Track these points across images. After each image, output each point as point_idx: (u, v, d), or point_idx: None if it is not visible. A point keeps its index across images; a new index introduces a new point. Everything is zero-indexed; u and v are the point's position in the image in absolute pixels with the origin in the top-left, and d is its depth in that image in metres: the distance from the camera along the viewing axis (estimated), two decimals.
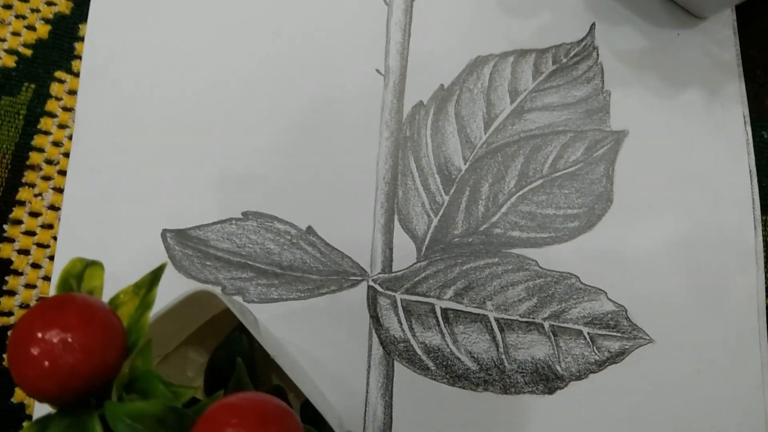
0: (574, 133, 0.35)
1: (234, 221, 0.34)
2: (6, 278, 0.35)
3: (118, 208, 0.35)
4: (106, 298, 0.23)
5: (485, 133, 0.35)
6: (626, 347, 0.33)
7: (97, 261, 0.24)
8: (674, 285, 0.33)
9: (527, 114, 0.35)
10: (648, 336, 0.33)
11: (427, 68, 0.36)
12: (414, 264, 0.34)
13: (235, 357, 0.28)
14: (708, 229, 0.34)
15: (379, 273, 0.34)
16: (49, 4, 0.39)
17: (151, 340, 0.24)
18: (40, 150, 0.37)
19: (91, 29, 0.38)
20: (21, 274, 0.35)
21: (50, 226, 0.36)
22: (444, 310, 0.33)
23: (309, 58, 0.36)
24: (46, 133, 0.37)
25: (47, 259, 0.36)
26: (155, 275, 0.23)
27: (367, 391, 0.32)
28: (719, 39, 0.37)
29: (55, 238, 0.35)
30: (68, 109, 0.38)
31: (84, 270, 0.23)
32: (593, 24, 0.37)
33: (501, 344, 0.33)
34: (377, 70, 0.36)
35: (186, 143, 0.36)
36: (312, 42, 0.37)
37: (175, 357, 0.30)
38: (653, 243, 0.34)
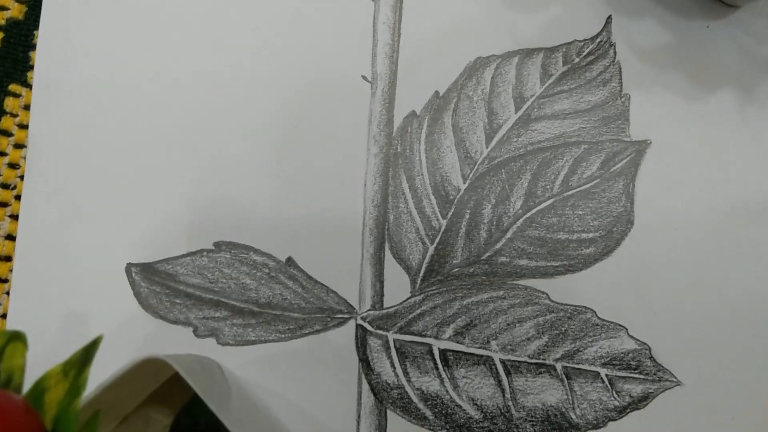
0: (588, 144, 0.31)
1: (205, 253, 0.31)
2: None
3: (79, 237, 0.32)
4: (38, 370, 0.20)
5: (487, 147, 0.31)
6: (650, 391, 0.29)
7: (20, 333, 0.20)
8: (705, 319, 0.30)
9: (535, 123, 0.31)
10: (675, 378, 0.29)
11: (420, 73, 0.32)
12: (408, 299, 0.30)
13: (200, 423, 0.24)
14: (743, 254, 0.30)
15: (369, 310, 0.30)
16: (0, 8, 0.35)
17: (98, 416, 0.20)
18: None
19: (42, 35, 0.34)
20: None
21: (8, 258, 0.33)
22: (443, 352, 0.30)
23: (286, 64, 0.33)
24: (2, 153, 0.34)
25: (5, 295, 0.32)
26: (87, 353, 0.19)
27: None
28: (755, 31, 0.32)
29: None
30: (25, 127, 0.34)
31: (4, 346, 0.20)
32: (609, 17, 0.32)
33: (508, 389, 0.29)
34: (363, 77, 0.32)
35: (153, 164, 0.32)
36: (289, 45, 0.33)
37: (136, 418, 0.27)
38: (680, 270, 0.30)
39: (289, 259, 0.31)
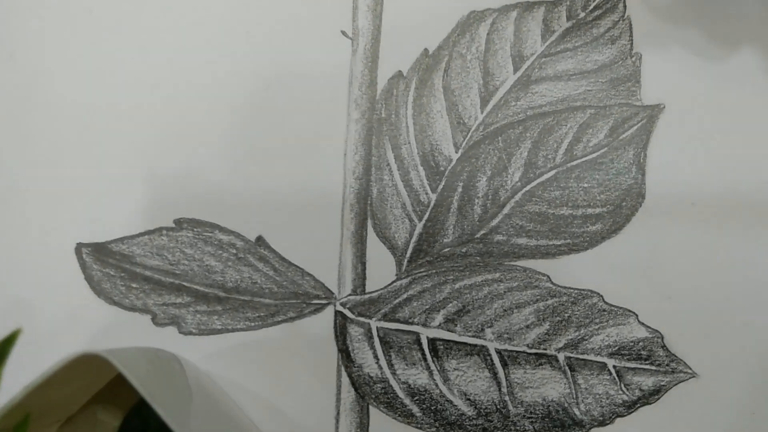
0: (595, 109, 0.28)
1: (165, 231, 0.28)
2: None
3: (21, 215, 0.29)
4: None
5: (482, 112, 0.28)
6: (662, 383, 0.27)
7: None
8: (724, 304, 0.27)
9: (535, 86, 0.28)
10: (690, 369, 0.27)
11: (407, 29, 0.29)
12: (393, 282, 0.28)
13: (151, 425, 0.21)
14: (767, 231, 0.27)
15: (349, 294, 0.28)
16: None
17: (27, 420, 0.17)
18: None
19: None
20: None
21: None
22: (432, 341, 0.27)
23: (255, 17, 0.29)
24: None
25: None
26: (1, 351, 0.16)
27: None
28: None
29: None
30: None
31: None
32: None
33: (504, 383, 0.27)
34: (343, 32, 0.29)
35: (104, 133, 0.29)
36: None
37: (81, 420, 0.23)
38: (697, 250, 0.28)
39: (259, 239, 0.28)
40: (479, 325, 0.27)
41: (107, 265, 0.28)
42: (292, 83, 0.29)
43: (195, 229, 0.28)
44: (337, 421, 0.27)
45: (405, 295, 0.27)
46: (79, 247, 0.28)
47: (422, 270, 0.28)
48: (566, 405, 0.26)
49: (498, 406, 0.27)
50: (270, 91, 0.29)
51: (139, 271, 0.28)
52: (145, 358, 0.21)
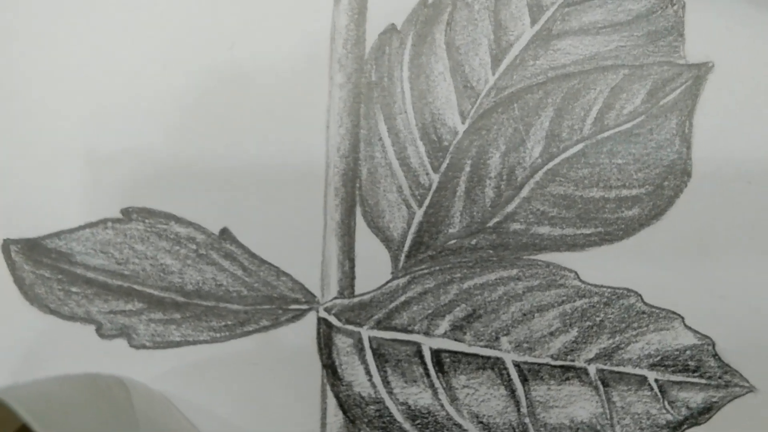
0: (629, 69, 0.24)
1: (110, 224, 0.24)
2: None
3: None
4: None
5: (493, 74, 0.24)
6: (714, 400, 0.23)
7: None
8: None
9: (557, 41, 0.24)
10: (747, 382, 0.23)
11: None
12: (388, 282, 0.23)
13: None
14: None
15: (335, 298, 0.23)
16: None
17: None
18: None
19: None
20: None
21: None
22: (436, 353, 0.23)
23: None
24: None
25: None
26: None
27: None
28: None
29: None
30: None
31: None
32: None
33: (524, 401, 0.23)
34: None
35: (36, 106, 0.25)
36: None
37: None
38: (755, 238, 0.23)
39: (224, 231, 0.23)
40: (493, 333, 0.23)
41: (41, 265, 0.23)
42: (262, 41, 0.24)
43: (146, 221, 0.23)
44: None
45: (403, 298, 0.23)
46: (6, 244, 0.24)
47: (423, 267, 0.23)
48: (599, 427, 0.22)
49: (517, 430, 0.22)
50: (234, 51, 0.24)
51: (80, 273, 0.23)
52: (68, 392, 0.17)
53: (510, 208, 0.23)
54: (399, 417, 0.23)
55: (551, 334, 0.23)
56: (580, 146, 0.24)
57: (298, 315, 0.23)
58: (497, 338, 0.23)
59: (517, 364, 0.23)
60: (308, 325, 0.23)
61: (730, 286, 0.23)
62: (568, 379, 0.23)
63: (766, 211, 0.23)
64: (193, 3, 0.24)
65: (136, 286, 0.23)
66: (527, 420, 0.23)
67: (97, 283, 0.23)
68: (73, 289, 0.23)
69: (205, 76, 0.24)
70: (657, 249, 0.23)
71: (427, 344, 0.23)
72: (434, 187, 0.24)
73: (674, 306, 0.23)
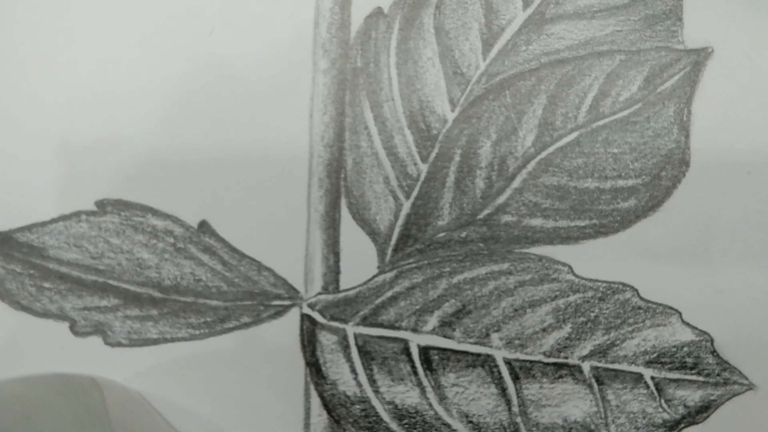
0: (626, 54, 0.23)
1: (84, 216, 0.23)
2: None
3: None
4: None
5: (484, 59, 0.23)
6: (712, 398, 0.22)
7: None
8: None
9: (551, 25, 0.23)
10: (746, 379, 0.22)
11: None
12: (375, 277, 0.23)
13: None
14: None
15: (319, 293, 0.23)
16: None
17: None
18: None
19: None
20: None
21: None
22: (424, 350, 0.22)
23: None
24: None
25: None
26: None
27: None
28: None
29: None
30: None
31: None
32: None
33: (515, 400, 0.22)
34: None
35: (7, 91, 0.23)
36: None
37: None
38: (755, 230, 0.23)
39: (203, 224, 0.22)
40: (484, 329, 0.22)
41: (12, 260, 0.22)
42: (243, 24, 0.23)
43: (122, 213, 0.22)
44: None
45: (390, 293, 0.22)
46: None
47: (411, 261, 0.22)
48: (593, 427, 0.22)
49: (508, 430, 0.22)
50: (214, 36, 0.23)
51: (53, 267, 0.22)
52: (33, 394, 0.16)
53: (501, 199, 0.22)
54: (385, 417, 0.22)
55: (544, 330, 0.22)
56: (574, 135, 0.23)
57: (281, 311, 0.22)
58: (488, 335, 0.22)
59: (508, 362, 0.22)
60: (291, 322, 0.22)
61: (729, 281, 0.22)
62: (561, 377, 0.22)
63: (765, 201, 0.23)
64: (176, 6, 0.23)
65: (111, 282, 0.22)
66: (519, 419, 0.22)
67: (70, 278, 0.22)
68: (46, 285, 0.22)
69: (184, 63, 0.23)
70: (654, 242, 0.22)
71: (415, 341, 0.22)
72: (422, 177, 0.23)
73: (671, 301, 0.22)
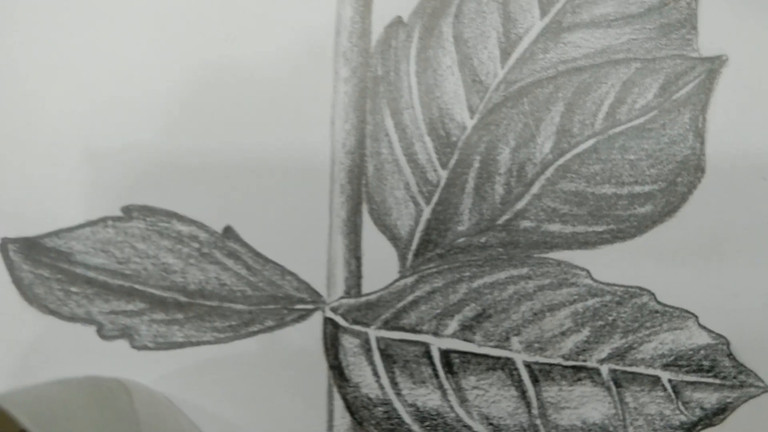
0: (641, 62, 0.23)
1: (111, 222, 0.23)
2: None
3: None
4: None
5: (502, 67, 0.23)
6: (728, 400, 0.22)
7: None
8: None
9: (568, 34, 0.23)
10: (762, 382, 0.22)
11: None
12: (396, 281, 0.23)
13: None
14: None
15: (342, 297, 0.23)
16: None
17: None
18: None
19: None
20: None
21: None
22: (445, 353, 0.22)
23: None
24: None
25: None
26: None
27: None
28: None
29: None
30: None
31: None
32: None
33: (535, 403, 0.22)
34: None
35: (33, 103, 0.24)
36: None
37: None
38: None
39: (228, 229, 0.23)
40: (503, 333, 0.22)
41: (40, 264, 0.23)
42: (264, 33, 0.23)
43: (148, 219, 0.23)
44: None
45: (411, 298, 0.22)
46: (4, 244, 0.23)
47: (431, 265, 0.23)
48: (611, 429, 0.22)
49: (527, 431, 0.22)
50: (236, 44, 0.23)
51: (80, 272, 0.23)
52: (68, 396, 0.16)
53: (520, 205, 0.23)
54: (407, 419, 0.22)
55: (563, 333, 0.22)
56: (591, 141, 0.23)
57: (304, 315, 0.23)
58: (507, 338, 0.22)
59: (527, 365, 0.22)
60: (314, 326, 0.23)
61: (744, 284, 0.23)
62: (579, 379, 0.22)
63: None
64: (199, 14, 0.24)
65: (137, 286, 0.23)
66: (538, 421, 0.22)
67: (97, 282, 0.23)
68: (73, 289, 0.23)
69: (206, 71, 0.24)
70: (670, 246, 0.23)
71: (436, 344, 0.22)
72: (442, 183, 0.23)
73: (688, 305, 0.23)
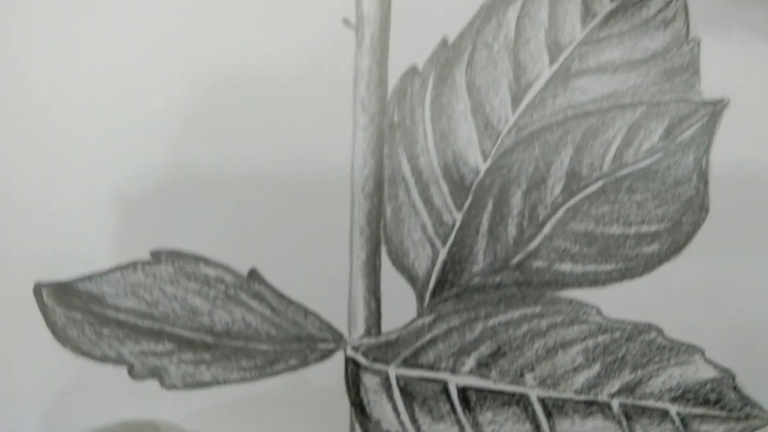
0: (647, 106, 0.24)
1: (140, 266, 0.24)
2: None
3: None
4: None
5: (514, 113, 0.24)
6: None
7: None
8: None
9: (576, 79, 0.24)
10: (767, 413, 0.23)
11: (422, 14, 0.25)
12: (414, 321, 0.24)
13: None
14: None
15: (362, 337, 0.24)
16: None
17: None
18: None
19: None
20: None
21: None
22: (462, 390, 0.23)
23: (242, 6, 0.24)
24: None
25: None
26: None
27: None
28: None
29: None
30: None
31: None
32: None
33: None
34: (345, 21, 0.24)
35: (65, 150, 0.25)
36: None
37: None
38: None
39: (253, 272, 0.24)
40: (518, 370, 0.23)
41: (73, 308, 0.24)
42: (286, 83, 0.24)
43: (175, 263, 0.24)
44: None
45: (429, 336, 0.23)
46: (38, 288, 0.24)
47: (448, 305, 0.24)
48: None
49: None
50: (261, 93, 0.24)
51: (111, 315, 0.24)
52: None
53: (532, 245, 0.24)
54: None
55: (575, 369, 0.23)
56: (600, 183, 0.24)
57: (326, 354, 0.24)
58: (522, 374, 0.23)
59: (541, 400, 0.23)
60: (336, 364, 0.24)
61: (748, 319, 0.24)
62: (591, 413, 0.23)
63: None
64: (220, 48, 0.25)
65: (166, 327, 0.24)
66: None
67: (128, 324, 0.24)
68: (105, 331, 0.24)
69: (230, 117, 0.24)
70: (677, 284, 0.24)
71: (454, 381, 0.23)
72: (457, 225, 0.24)
73: (695, 340, 0.23)
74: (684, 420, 0.23)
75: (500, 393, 0.23)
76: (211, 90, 0.25)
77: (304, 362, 0.24)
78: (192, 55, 0.25)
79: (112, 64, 0.25)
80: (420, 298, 0.24)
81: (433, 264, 0.24)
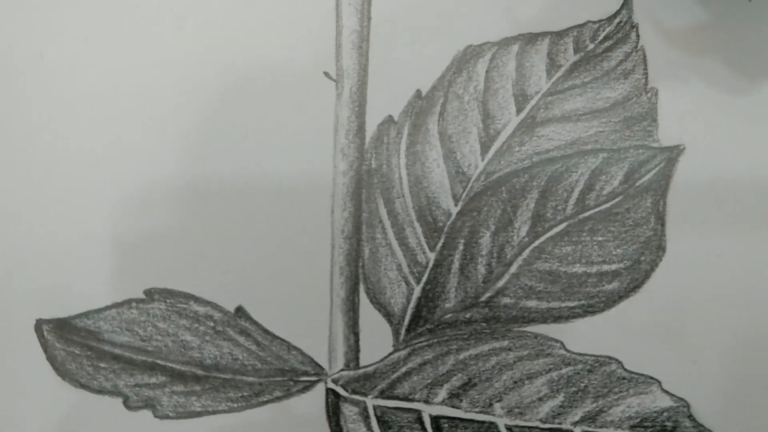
0: (608, 152, 0.26)
1: (135, 304, 0.26)
2: None
3: None
4: None
5: (483, 159, 0.26)
6: None
7: None
8: (755, 367, 0.25)
9: (541, 128, 0.26)
10: None
11: (397, 68, 0.27)
12: (390, 354, 0.26)
13: None
14: None
15: (342, 370, 0.26)
16: None
17: None
18: None
19: None
20: None
21: None
22: (435, 419, 0.25)
23: (226, 59, 0.26)
24: None
25: None
26: None
27: None
28: None
29: None
30: None
31: None
32: None
33: None
34: (326, 74, 0.26)
35: (65, 193, 0.27)
36: (228, 33, 0.26)
37: None
38: (725, 308, 0.25)
39: (239, 309, 0.26)
40: (487, 400, 0.25)
41: (71, 343, 0.25)
42: (271, 131, 0.26)
43: (168, 301, 0.25)
44: None
45: (404, 369, 0.25)
46: (39, 324, 0.26)
47: (422, 339, 0.25)
48: None
49: None
50: (247, 141, 0.26)
51: (108, 349, 0.25)
52: None
53: (500, 283, 0.25)
54: None
55: (540, 399, 0.25)
56: (563, 225, 0.26)
57: (308, 386, 0.25)
58: (491, 404, 0.25)
59: (509, 428, 0.25)
60: (317, 396, 0.25)
61: (703, 353, 0.25)
62: None
63: (734, 282, 0.25)
64: (208, 99, 0.26)
65: (159, 361, 0.25)
66: None
67: (123, 358, 0.25)
68: (102, 365, 0.25)
69: (217, 163, 0.26)
70: (636, 319, 0.25)
71: (427, 411, 0.25)
72: (431, 265, 0.26)
73: (652, 371, 0.25)
74: None
75: (471, 422, 0.25)
76: (205, 146, 0.26)
77: (288, 394, 0.25)
78: (190, 116, 0.26)
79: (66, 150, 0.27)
80: (396, 333, 0.26)
81: (408, 301, 0.26)
